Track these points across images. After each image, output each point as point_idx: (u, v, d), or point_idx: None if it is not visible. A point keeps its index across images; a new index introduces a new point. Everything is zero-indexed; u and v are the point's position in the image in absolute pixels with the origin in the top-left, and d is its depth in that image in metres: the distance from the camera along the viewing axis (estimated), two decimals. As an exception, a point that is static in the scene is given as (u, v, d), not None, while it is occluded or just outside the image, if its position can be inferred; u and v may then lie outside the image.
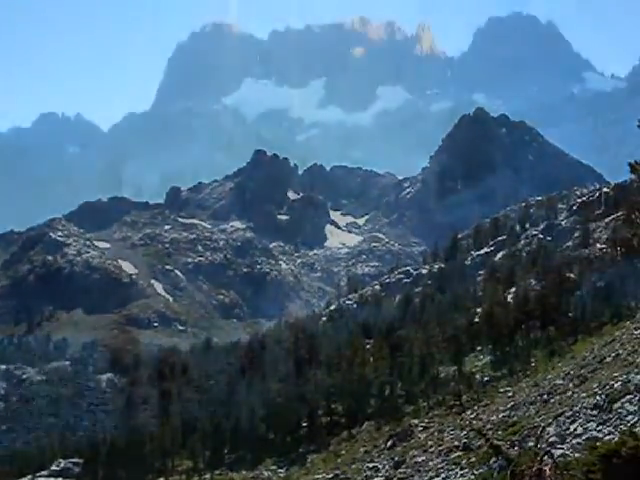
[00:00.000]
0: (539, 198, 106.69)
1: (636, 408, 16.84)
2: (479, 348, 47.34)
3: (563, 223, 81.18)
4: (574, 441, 16.61)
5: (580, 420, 17.86)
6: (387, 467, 25.42)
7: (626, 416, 16.74)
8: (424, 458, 23.61)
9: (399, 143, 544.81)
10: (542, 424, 18.42)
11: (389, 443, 29.84)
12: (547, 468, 11.74)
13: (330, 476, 28.22)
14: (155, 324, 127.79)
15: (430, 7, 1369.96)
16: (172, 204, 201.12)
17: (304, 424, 44.03)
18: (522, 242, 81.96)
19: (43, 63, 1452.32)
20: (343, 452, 34.14)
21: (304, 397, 45.62)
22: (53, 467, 44.67)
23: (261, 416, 46.57)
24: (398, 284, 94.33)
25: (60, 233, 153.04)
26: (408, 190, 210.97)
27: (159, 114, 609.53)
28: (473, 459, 19.85)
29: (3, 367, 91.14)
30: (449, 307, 62.34)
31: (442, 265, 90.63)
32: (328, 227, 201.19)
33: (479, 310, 54.39)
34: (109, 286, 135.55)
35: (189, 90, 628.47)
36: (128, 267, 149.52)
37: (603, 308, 41.86)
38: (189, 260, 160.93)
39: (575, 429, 17.40)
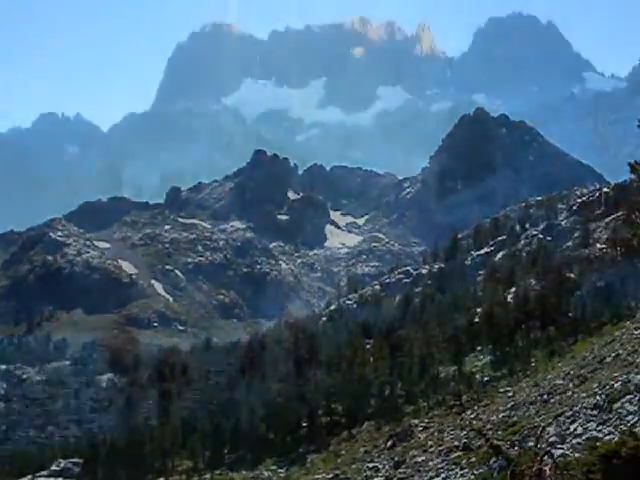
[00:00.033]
0: (539, 198, 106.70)
1: (636, 408, 16.83)
2: (479, 348, 47.35)
3: (563, 223, 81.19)
4: (574, 441, 16.61)
5: (580, 420, 17.86)
6: (387, 467, 25.42)
7: (626, 416, 16.74)
8: (424, 458, 23.61)
9: (399, 143, 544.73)
10: (542, 424, 18.42)
11: (389, 443, 29.83)
12: (547, 468, 11.75)
13: (330, 476, 28.22)
14: (155, 324, 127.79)
15: (430, 7, 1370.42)
16: (172, 204, 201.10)
17: (304, 424, 44.02)
18: (522, 242, 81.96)
19: (43, 63, 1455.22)
20: (343, 452, 34.13)
21: (304, 397, 45.63)
22: (53, 467, 44.71)
23: (261, 416, 46.59)
24: (398, 284, 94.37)
25: (60, 233, 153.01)
26: (408, 190, 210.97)
27: (159, 114, 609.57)
28: (473, 459, 19.85)
29: (3, 367, 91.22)
30: (449, 307, 62.36)
31: (442, 265, 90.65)
32: (328, 227, 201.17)
33: (479, 310, 54.39)
34: (109, 286, 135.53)
35: (189, 90, 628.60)
36: (128, 267, 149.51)
37: (603, 308, 41.85)
38: (189, 260, 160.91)
39: (575, 429, 17.40)
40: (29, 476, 43.28)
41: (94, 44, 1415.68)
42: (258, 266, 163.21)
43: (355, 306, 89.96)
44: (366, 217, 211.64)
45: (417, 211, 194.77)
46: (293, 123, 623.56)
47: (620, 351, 24.04)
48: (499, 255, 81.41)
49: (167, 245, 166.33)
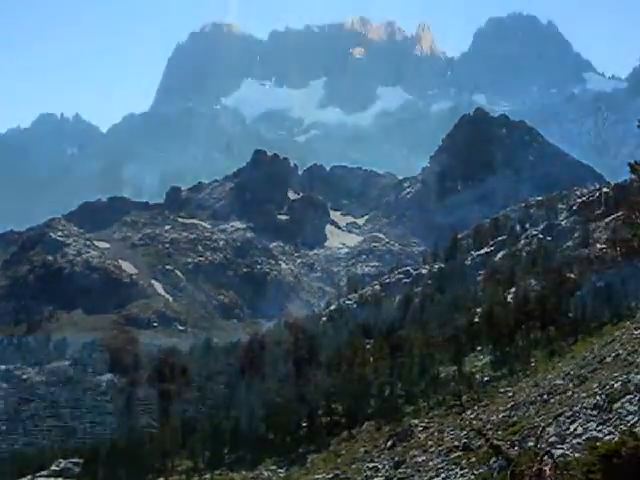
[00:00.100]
0: (539, 198, 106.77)
1: (636, 408, 16.84)
2: (479, 348, 47.35)
3: (563, 223, 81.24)
4: (574, 441, 16.62)
5: (580, 420, 17.87)
6: (387, 467, 25.44)
7: (626, 416, 16.75)
8: (424, 458, 23.63)
9: (399, 143, 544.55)
10: (542, 424, 18.43)
11: (389, 443, 29.84)
12: (547, 468, 11.75)
13: (330, 476, 28.23)
14: (155, 324, 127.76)
15: (430, 7, 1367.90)
16: (172, 204, 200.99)
17: (304, 424, 44.02)
18: (522, 242, 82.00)
19: (42, 64, 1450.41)
20: (343, 452, 34.12)
21: (304, 397, 45.63)
22: (53, 467, 44.68)
23: (261, 416, 46.58)
24: (398, 284, 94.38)
25: (60, 233, 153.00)
26: (408, 190, 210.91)
27: (159, 114, 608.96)
28: (473, 459, 19.86)
29: (3, 367, 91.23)
30: (449, 307, 62.32)
31: (442, 265, 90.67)
32: (328, 227, 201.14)
33: (479, 310, 54.41)
34: (109, 286, 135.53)
35: (189, 90, 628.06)
36: (128, 267, 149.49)
37: (603, 308, 41.85)
38: (189, 260, 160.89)
39: (575, 429, 17.41)
40: (29, 476, 43.25)
41: (93, 44, 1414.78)
42: (258, 266, 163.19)
43: (355, 306, 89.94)
44: (366, 217, 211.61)
45: (417, 211, 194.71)
46: (293, 123, 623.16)
47: (620, 351, 24.05)
48: (499, 255, 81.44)
49: (167, 245, 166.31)
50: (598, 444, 12.39)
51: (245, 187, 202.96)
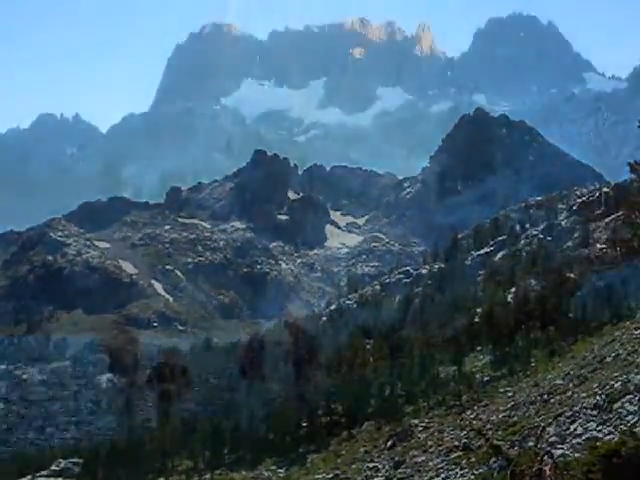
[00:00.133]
0: (539, 198, 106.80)
1: (636, 408, 16.85)
2: (479, 348, 47.33)
3: (563, 223, 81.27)
4: (574, 441, 16.62)
5: (580, 420, 17.87)
6: (387, 467, 25.44)
7: (626, 416, 16.75)
8: (424, 458, 23.63)
9: (399, 143, 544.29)
10: (542, 424, 18.43)
11: (389, 443, 29.83)
12: (547, 468, 11.75)
13: (330, 476, 28.23)
14: (155, 324, 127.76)
15: (430, 7, 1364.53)
16: (172, 204, 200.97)
17: (304, 424, 44.00)
18: (522, 242, 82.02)
19: (41, 64, 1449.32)
20: (343, 452, 34.10)
21: (304, 397, 45.62)
22: (53, 467, 44.68)
23: (261, 416, 46.58)
24: (398, 284, 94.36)
25: (60, 233, 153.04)
26: (408, 190, 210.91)
27: (158, 115, 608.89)
28: (473, 459, 19.86)
29: (3, 367, 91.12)
30: (449, 307, 62.31)
31: (442, 265, 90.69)
32: (328, 227, 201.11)
33: (479, 310, 54.40)
34: (109, 286, 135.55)
35: (189, 90, 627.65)
36: (128, 267, 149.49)
37: (603, 308, 41.84)
38: (189, 260, 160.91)
39: (575, 429, 17.41)
40: (29, 476, 43.27)
41: (93, 45, 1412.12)
42: (258, 266, 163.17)
43: (355, 306, 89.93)
44: (366, 217, 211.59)
45: (417, 211, 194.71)
46: (293, 123, 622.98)
47: (620, 351, 24.06)
48: (499, 255, 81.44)
49: (167, 245, 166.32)
50: (598, 444, 12.40)
51: (245, 187, 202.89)
